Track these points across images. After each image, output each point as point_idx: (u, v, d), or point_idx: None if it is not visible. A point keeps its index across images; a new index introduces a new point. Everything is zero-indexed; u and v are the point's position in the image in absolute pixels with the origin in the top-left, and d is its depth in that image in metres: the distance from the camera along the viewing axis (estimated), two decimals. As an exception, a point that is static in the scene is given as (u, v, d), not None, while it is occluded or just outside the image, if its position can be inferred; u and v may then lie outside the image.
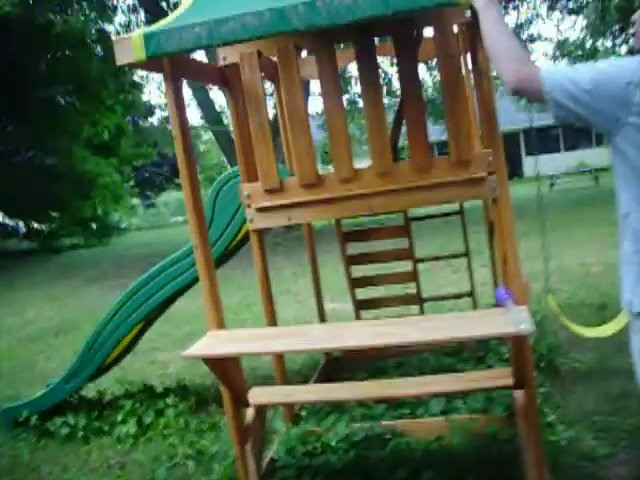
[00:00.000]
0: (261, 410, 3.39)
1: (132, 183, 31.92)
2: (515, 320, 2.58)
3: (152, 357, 6.85)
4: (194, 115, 42.45)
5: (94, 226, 25.54)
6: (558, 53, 25.81)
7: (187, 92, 21.80)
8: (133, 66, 2.79)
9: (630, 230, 2.17)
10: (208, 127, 19.67)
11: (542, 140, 31.48)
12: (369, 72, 3.43)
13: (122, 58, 2.73)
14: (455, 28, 3.34)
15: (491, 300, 5.08)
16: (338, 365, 5.16)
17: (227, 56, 3.63)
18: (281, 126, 4.38)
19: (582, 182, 22.97)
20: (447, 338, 2.80)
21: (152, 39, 2.62)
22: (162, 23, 2.79)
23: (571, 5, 22.47)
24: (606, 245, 9.91)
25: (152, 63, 2.87)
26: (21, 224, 25.64)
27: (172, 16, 2.87)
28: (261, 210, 3.61)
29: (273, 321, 3.98)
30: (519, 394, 3.11)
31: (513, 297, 2.89)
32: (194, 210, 3.08)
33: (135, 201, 36.18)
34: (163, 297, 4.58)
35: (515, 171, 33.08)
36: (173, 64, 2.95)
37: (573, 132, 31.58)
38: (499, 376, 3.20)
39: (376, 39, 3.62)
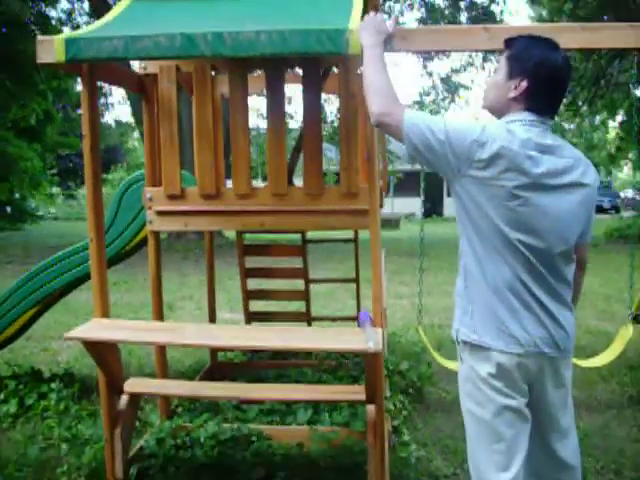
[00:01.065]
0: (135, 399, 3.60)
1: (54, 171, 31.44)
2: (367, 339, 2.89)
3: (45, 344, 6.94)
4: (126, 112, 42.02)
5: (8, 209, 25.05)
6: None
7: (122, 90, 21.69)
8: (53, 66, 2.98)
9: (462, 268, 2.49)
10: (137, 125, 19.59)
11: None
12: (275, 99, 3.73)
13: (44, 57, 2.92)
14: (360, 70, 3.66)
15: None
16: (222, 370, 5.40)
17: (147, 66, 3.87)
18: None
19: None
20: (302, 347, 3.09)
21: (73, 45, 2.82)
22: (85, 30, 3.02)
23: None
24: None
25: (71, 65, 3.08)
26: None
27: (96, 25, 3.10)
28: (161, 214, 3.85)
29: (160, 320, 4.21)
30: (370, 408, 3.42)
31: (372, 320, 3.22)
32: (94, 204, 3.29)
33: (55, 190, 35.57)
34: (59, 285, 4.75)
35: (435, 210, 34.08)
36: (92, 68, 3.17)
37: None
38: (354, 391, 3.52)
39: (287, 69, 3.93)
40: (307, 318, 5.73)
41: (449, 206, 32.75)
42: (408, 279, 10.27)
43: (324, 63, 3.86)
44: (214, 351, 5.55)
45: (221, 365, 5.55)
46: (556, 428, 2.59)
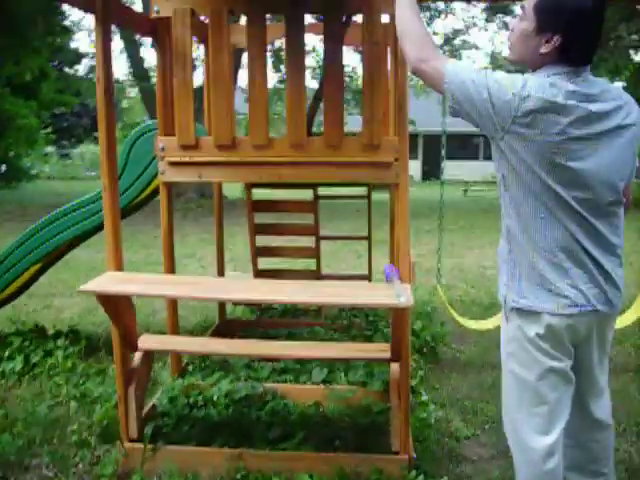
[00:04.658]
0: (148, 355, 3.48)
1: (49, 130, 31.07)
2: (397, 294, 2.77)
3: (48, 301, 6.82)
4: (121, 70, 41.52)
5: (3, 168, 24.78)
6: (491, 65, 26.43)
7: (119, 45, 21.35)
8: (66, 1, 2.81)
9: (507, 230, 2.36)
10: (135, 81, 19.25)
11: (462, 147, 32.22)
12: (295, 45, 3.54)
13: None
14: (386, 18, 3.48)
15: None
16: (231, 328, 5.29)
17: (160, 9, 3.69)
18: (205, 87, 4.46)
19: (495, 192, 23.62)
20: (331, 302, 2.96)
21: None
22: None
23: (508, 20, 22.98)
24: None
25: (85, 2, 2.90)
26: None
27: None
28: (173, 164, 3.69)
29: (172, 273, 4.07)
30: (395, 367, 3.31)
31: (399, 275, 3.08)
32: (107, 150, 3.14)
33: (50, 149, 35.22)
34: (64, 239, 4.60)
35: (435, 173, 33.83)
36: (106, 6, 2.99)
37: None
38: (378, 349, 3.40)
39: (309, 17, 3.74)
40: (317, 276, 5.60)
41: (446, 169, 32.54)
42: (412, 241, 10.15)
43: (346, 9, 3.67)
44: (222, 309, 5.44)
45: (230, 323, 5.44)
46: (594, 389, 2.54)
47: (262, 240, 5.60)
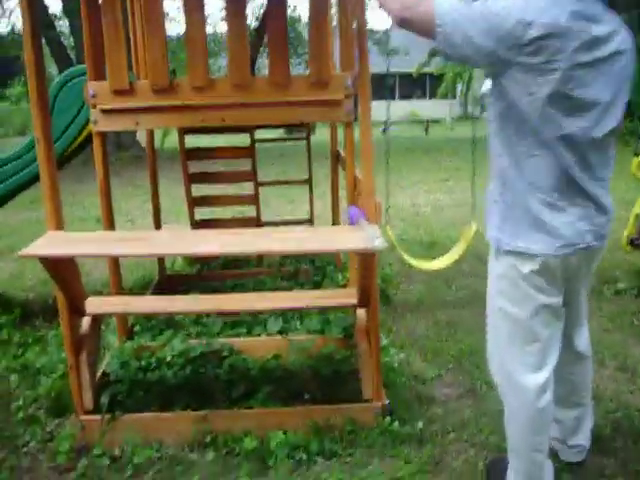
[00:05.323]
0: (97, 320, 3.24)
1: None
2: (370, 237, 2.60)
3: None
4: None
5: None
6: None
7: (16, -5, 20.10)
8: None
9: (498, 171, 2.21)
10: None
11: (377, 87, 31.95)
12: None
13: None
14: None
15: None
16: (172, 283, 5.05)
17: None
18: (131, 29, 4.15)
19: (413, 131, 23.73)
20: (306, 249, 2.77)
21: None
22: None
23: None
24: (434, 189, 10.37)
25: None
26: None
27: None
28: (107, 112, 3.40)
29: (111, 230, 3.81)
30: (361, 313, 3.16)
31: (365, 216, 2.91)
32: (38, 99, 2.83)
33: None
34: (15, 183, 4.23)
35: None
36: None
37: (408, 82, 32.25)
38: (344, 295, 3.25)
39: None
40: (257, 224, 5.39)
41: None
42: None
43: None
44: (162, 264, 5.18)
45: (170, 278, 5.20)
46: (578, 320, 2.53)
47: (197, 190, 5.34)
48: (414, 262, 4.32)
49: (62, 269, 2.76)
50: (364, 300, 3.04)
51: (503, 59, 1.98)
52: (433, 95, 32.11)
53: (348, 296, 3.15)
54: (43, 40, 21.87)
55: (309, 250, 3.18)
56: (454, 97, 30.62)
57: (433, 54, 25.31)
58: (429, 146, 17.81)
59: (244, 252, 2.90)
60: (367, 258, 2.72)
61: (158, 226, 4.98)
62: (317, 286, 4.89)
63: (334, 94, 3.29)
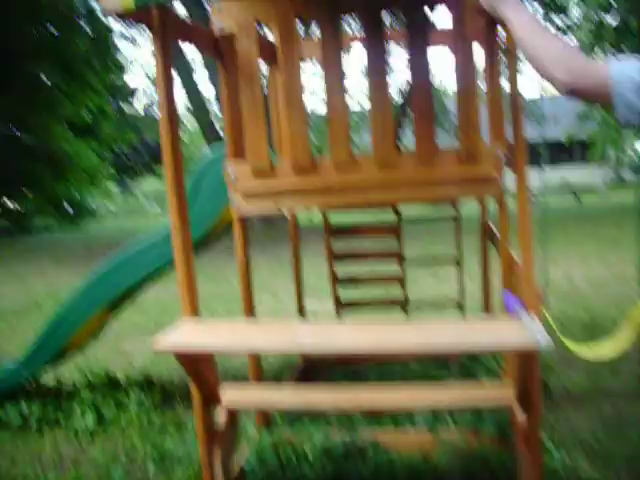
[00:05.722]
0: (233, 411, 3.06)
1: (111, 168, 31.39)
2: (532, 333, 2.28)
3: (118, 346, 6.48)
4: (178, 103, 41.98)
5: (69, 208, 25.01)
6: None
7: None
8: (120, 17, 2.46)
9: None
10: (194, 113, 19.04)
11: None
12: (375, 47, 3.12)
13: (109, 6, 2.42)
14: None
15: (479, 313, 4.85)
16: (314, 369, 4.84)
17: (221, 23, 3.31)
18: (272, 108, 4.09)
19: (564, 200, 22.86)
20: (461, 350, 2.49)
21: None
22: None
23: (560, 23, 22.03)
24: (593, 263, 9.73)
25: (141, 15, 2.54)
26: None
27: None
28: (248, 195, 3.29)
29: (251, 315, 3.67)
30: (522, 416, 2.80)
31: (523, 306, 2.60)
32: (175, 187, 2.74)
33: (112, 187, 35.62)
34: (134, 282, 4.22)
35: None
36: (163, 18, 2.61)
37: (556, 149, 31.29)
38: (500, 394, 2.90)
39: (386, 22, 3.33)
40: (404, 304, 5.12)
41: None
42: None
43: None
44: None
45: (313, 364, 4.98)
46: None
47: (341, 267, 5.17)
48: (577, 349, 3.91)
49: (197, 363, 2.61)
50: (524, 403, 2.69)
51: None
52: (583, 161, 30.97)
53: (505, 394, 2.81)
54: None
55: (464, 351, 2.87)
56: (605, 162, 29.42)
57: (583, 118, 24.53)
58: (583, 216, 17.02)
59: (393, 351, 2.63)
60: (528, 357, 2.40)
61: (301, 307, 4.83)
62: (472, 375, 4.51)
63: (485, 169, 3.05)
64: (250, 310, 3.58)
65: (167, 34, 2.66)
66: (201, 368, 2.66)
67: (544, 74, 1.88)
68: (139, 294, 4.68)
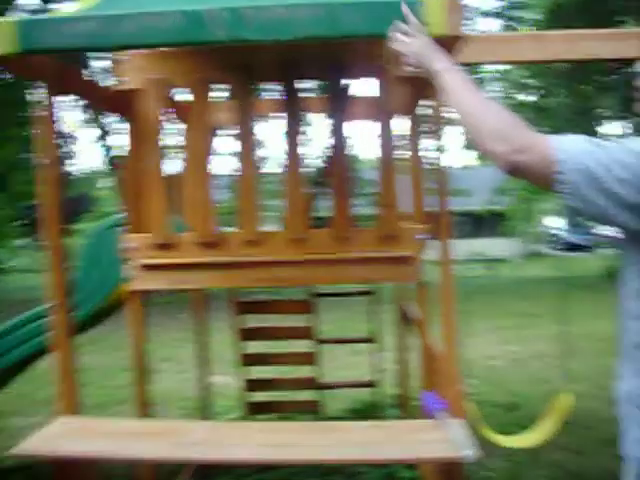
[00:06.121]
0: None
1: (23, 221, 30.26)
2: (455, 440, 2.02)
3: (4, 423, 5.90)
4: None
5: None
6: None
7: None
8: (4, 63, 2.13)
9: None
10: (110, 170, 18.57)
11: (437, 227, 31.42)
12: (292, 118, 2.91)
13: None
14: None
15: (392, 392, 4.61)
16: (212, 468, 4.39)
17: (130, 80, 3.04)
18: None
19: (477, 271, 23.14)
20: (373, 459, 2.20)
21: (29, 29, 2.00)
22: (51, 14, 2.20)
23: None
24: (508, 338, 9.68)
25: (30, 64, 2.22)
26: None
27: (67, 10, 2.28)
28: (146, 268, 2.98)
29: (144, 409, 3.28)
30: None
31: (445, 407, 2.35)
32: (55, 262, 2.41)
33: (22, 242, 34.33)
34: (16, 358, 3.81)
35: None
36: (57, 70, 2.31)
37: (469, 220, 31.83)
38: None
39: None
40: (317, 385, 4.83)
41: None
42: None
43: (349, 73, 3.05)
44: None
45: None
46: None
47: (249, 346, 4.85)
48: (501, 439, 3.70)
49: (68, 469, 2.24)
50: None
51: None
52: (495, 234, 31.57)
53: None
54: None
55: (377, 461, 2.58)
56: (518, 235, 30.08)
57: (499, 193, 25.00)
58: (496, 288, 17.16)
59: (290, 461, 2.33)
60: (453, 468, 2.14)
61: (205, 383, 4.48)
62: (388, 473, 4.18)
63: (404, 249, 2.85)
64: (142, 410, 3.19)
65: (60, 87, 2.37)
66: (74, 474, 2.28)
67: (484, 146, 1.63)
68: (26, 368, 4.22)
